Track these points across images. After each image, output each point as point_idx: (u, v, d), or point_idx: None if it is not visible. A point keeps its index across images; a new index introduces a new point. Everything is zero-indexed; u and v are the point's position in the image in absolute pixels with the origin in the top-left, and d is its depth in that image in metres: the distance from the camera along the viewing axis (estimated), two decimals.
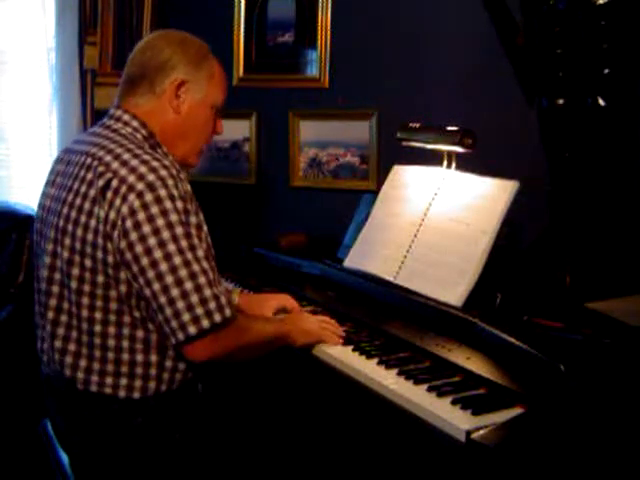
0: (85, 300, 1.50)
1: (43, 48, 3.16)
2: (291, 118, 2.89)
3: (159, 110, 1.62)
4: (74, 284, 1.50)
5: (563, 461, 1.29)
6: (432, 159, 2.09)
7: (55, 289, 1.55)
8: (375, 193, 2.22)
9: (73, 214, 1.50)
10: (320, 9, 2.78)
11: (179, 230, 1.45)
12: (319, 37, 2.80)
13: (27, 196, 3.15)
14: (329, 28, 2.78)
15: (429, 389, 1.50)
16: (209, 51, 1.68)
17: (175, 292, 1.43)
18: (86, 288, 1.49)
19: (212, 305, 1.46)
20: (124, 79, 1.65)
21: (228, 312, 1.48)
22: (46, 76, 3.16)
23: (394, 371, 1.61)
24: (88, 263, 1.48)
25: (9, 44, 3.26)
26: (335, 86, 2.81)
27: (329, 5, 2.77)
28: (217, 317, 1.46)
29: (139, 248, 1.44)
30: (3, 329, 2.69)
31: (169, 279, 1.43)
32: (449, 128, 2.01)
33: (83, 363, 1.53)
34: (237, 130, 3.00)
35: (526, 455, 1.28)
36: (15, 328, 2.68)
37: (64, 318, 1.55)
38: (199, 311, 1.44)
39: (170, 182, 1.46)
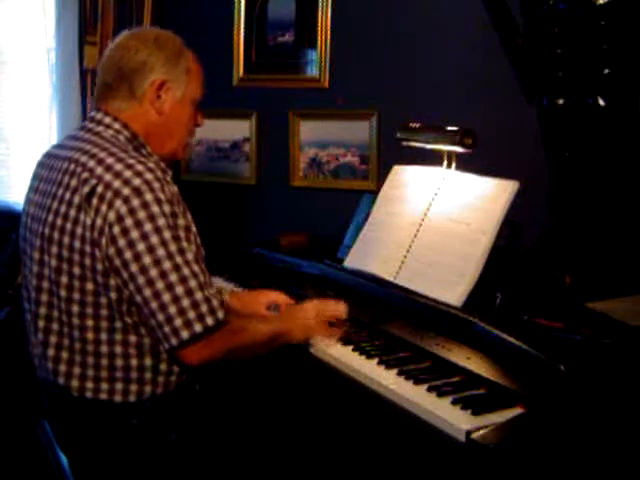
0: (75, 308, 1.49)
1: (43, 48, 3.16)
2: (291, 118, 2.88)
3: (141, 113, 1.60)
4: (63, 292, 1.49)
5: (563, 461, 1.29)
6: (432, 159, 2.09)
7: (44, 297, 1.54)
8: (375, 193, 2.22)
9: (58, 222, 1.48)
10: (320, 9, 2.78)
11: (167, 234, 1.44)
12: (319, 37, 2.80)
13: None
14: (329, 28, 2.78)
15: (429, 389, 1.50)
16: (183, 45, 1.65)
17: (166, 297, 1.42)
18: (76, 296, 1.48)
19: (204, 308, 1.45)
20: (100, 82, 1.63)
21: (220, 314, 1.47)
22: (46, 76, 3.16)
23: (394, 371, 1.61)
24: (77, 271, 1.47)
25: (9, 44, 3.26)
26: (335, 86, 2.81)
27: (329, 5, 2.77)
28: (209, 320, 1.45)
29: (128, 254, 1.42)
30: (1, 330, 2.68)
31: (159, 284, 1.42)
32: (449, 128, 2.00)
33: (77, 370, 1.52)
34: (237, 130, 3.00)
35: (526, 455, 1.28)
36: (13, 329, 2.67)
37: (55, 326, 1.53)
38: (191, 315, 1.44)
39: (156, 185, 1.45)
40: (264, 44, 2.93)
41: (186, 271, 1.44)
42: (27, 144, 3.31)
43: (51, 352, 1.54)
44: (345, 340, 1.80)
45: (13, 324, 2.69)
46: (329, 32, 2.78)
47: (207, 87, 1.72)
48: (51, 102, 3.14)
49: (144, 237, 1.42)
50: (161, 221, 1.43)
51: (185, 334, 1.44)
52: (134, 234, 1.42)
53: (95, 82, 2.91)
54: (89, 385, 1.51)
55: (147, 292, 1.43)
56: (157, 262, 1.42)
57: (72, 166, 1.50)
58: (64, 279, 1.48)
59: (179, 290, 1.43)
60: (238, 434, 1.83)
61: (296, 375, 1.93)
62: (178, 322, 1.43)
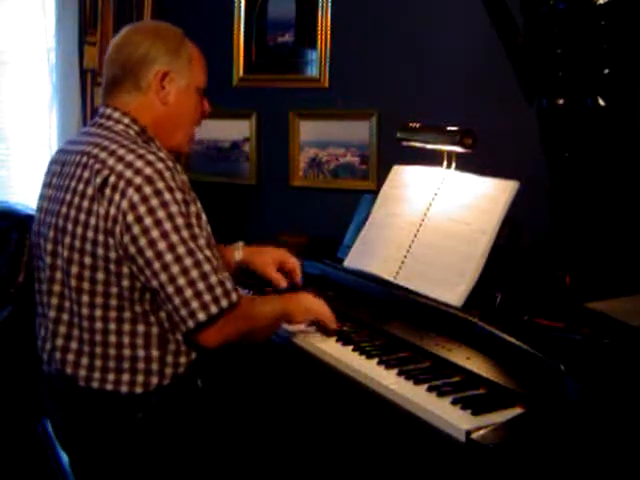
0: (85, 298, 1.51)
1: (43, 48, 3.15)
2: (291, 118, 2.89)
3: (147, 104, 1.63)
4: (74, 282, 1.51)
5: (562, 461, 1.29)
6: (432, 159, 2.09)
7: (56, 288, 1.56)
8: (375, 193, 2.22)
9: (72, 213, 1.51)
10: (320, 9, 2.78)
11: (180, 221, 1.47)
12: (319, 37, 2.80)
13: (27, 196, 3.14)
14: (329, 28, 2.78)
15: (429, 389, 1.50)
16: (184, 35, 1.69)
17: (182, 281, 1.46)
18: (86, 286, 1.50)
19: (219, 291, 1.49)
20: (106, 78, 1.66)
21: (234, 297, 1.51)
22: (46, 76, 3.16)
23: (394, 371, 1.61)
24: (88, 260, 1.49)
25: (9, 44, 3.26)
26: (335, 86, 2.81)
27: (329, 5, 2.77)
28: (224, 302, 1.49)
29: (143, 241, 1.45)
30: (3, 329, 2.69)
31: (175, 269, 1.46)
32: (449, 128, 2.00)
33: (85, 361, 1.54)
34: (237, 130, 3.00)
35: (526, 455, 1.28)
36: (15, 328, 2.67)
37: (65, 316, 1.56)
38: (207, 298, 1.47)
39: (167, 174, 1.48)
40: (264, 44, 2.93)
41: (200, 255, 1.48)
42: (27, 144, 3.31)
43: (60, 342, 1.56)
44: (345, 340, 1.80)
45: (14, 323, 2.69)
46: (329, 32, 2.78)
47: (207, 87, 1.73)
48: (51, 102, 3.14)
49: (158, 223, 1.45)
50: (173, 208, 1.47)
51: (202, 316, 1.47)
52: (148, 221, 1.45)
53: (95, 82, 2.99)
54: (96, 375, 1.53)
55: (163, 277, 1.46)
56: (172, 247, 1.46)
57: (84, 159, 1.53)
58: (75, 269, 1.51)
59: (194, 274, 1.46)
60: (241, 431, 1.83)
61: (296, 374, 1.93)
62: (195, 304, 1.47)
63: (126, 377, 1.53)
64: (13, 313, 2.72)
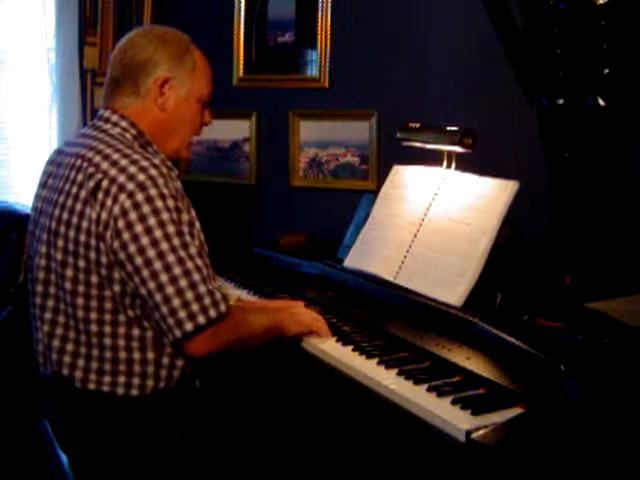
0: (80, 301, 1.51)
1: (43, 48, 3.15)
2: (291, 118, 2.89)
3: (145, 109, 1.62)
4: (68, 285, 1.51)
5: (563, 461, 1.29)
6: (432, 159, 2.09)
7: (52, 290, 1.56)
8: (375, 193, 2.22)
9: (65, 216, 1.51)
10: (320, 9, 2.78)
11: (171, 229, 1.46)
12: (319, 37, 2.80)
13: (27, 196, 3.13)
14: (329, 28, 2.78)
15: (429, 389, 1.50)
16: (190, 43, 1.68)
17: (170, 290, 1.45)
18: (80, 289, 1.50)
19: (207, 301, 1.47)
20: (108, 80, 1.66)
21: (223, 307, 1.50)
22: (46, 76, 3.15)
23: (394, 371, 1.61)
24: (81, 264, 1.49)
25: (9, 44, 3.26)
26: (335, 86, 2.81)
27: (329, 5, 2.77)
28: (212, 313, 1.48)
29: (132, 248, 1.45)
30: (3, 329, 2.69)
31: (164, 277, 1.45)
32: (449, 128, 2.00)
33: (81, 362, 1.54)
34: (237, 130, 3.00)
35: (526, 455, 1.28)
36: (15, 328, 2.67)
37: (62, 319, 1.55)
38: (195, 307, 1.46)
39: (160, 181, 1.47)
40: (264, 44, 2.93)
41: (190, 264, 1.46)
42: (27, 144, 3.31)
43: (56, 343, 1.56)
44: (345, 340, 1.80)
45: (15, 323, 2.69)
46: (329, 32, 2.78)
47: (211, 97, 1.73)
48: (51, 102, 3.13)
49: (148, 231, 1.44)
50: (165, 215, 1.46)
51: (189, 326, 1.46)
52: (138, 228, 1.44)
53: (95, 82, 2.99)
54: (92, 377, 1.53)
55: (151, 285, 1.45)
56: (161, 255, 1.45)
57: (79, 161, 1.53)
58: (69, 272, 1.50)
59: (183, 283, 1.45)
60: (239, 432, 1.83)
61: (296, 374, 1.93)
62: (182, 314, 1.45)
63: (122, 379, 1.53)
64: (13, 313, 2.72)
